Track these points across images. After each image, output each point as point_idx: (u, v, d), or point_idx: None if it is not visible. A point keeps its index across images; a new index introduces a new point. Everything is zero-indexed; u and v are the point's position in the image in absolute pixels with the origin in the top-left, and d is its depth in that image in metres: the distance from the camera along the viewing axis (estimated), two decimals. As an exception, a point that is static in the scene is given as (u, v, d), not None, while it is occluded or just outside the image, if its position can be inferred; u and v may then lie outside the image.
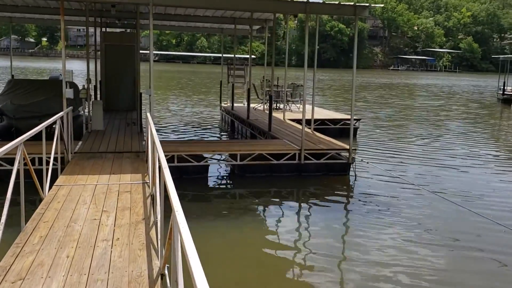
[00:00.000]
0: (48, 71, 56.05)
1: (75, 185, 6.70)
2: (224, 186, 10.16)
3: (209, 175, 10.13)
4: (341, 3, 9.90)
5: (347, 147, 10.51)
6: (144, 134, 11.73)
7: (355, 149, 10.85)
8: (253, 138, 13.73)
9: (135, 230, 5.01)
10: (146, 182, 7.00)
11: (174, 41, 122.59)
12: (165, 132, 16.01)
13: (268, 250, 6.67)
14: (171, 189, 3.32)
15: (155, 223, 5.09)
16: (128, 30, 19.88)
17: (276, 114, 15.41)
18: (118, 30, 19.83)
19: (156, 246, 4.54)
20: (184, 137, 15.41)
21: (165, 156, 4.57)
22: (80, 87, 12.21)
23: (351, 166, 10.54)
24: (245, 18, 16.22)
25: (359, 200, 9.09)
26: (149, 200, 6.11)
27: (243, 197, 9.36)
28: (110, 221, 5.25)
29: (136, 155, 9.16)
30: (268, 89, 17.62)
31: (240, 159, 9.95)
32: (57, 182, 6.83)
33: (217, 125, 18.68)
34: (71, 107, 8.97)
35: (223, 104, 19.25)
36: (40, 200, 6.09)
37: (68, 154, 8.37)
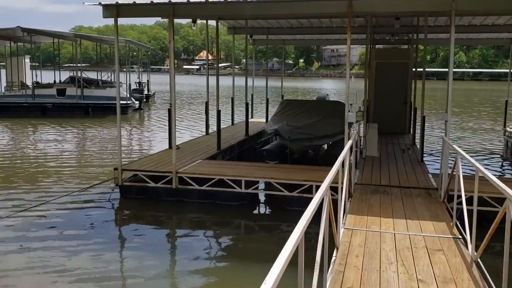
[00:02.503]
0: (301, 90, 59.69)
1: (369, 231, 5.54)
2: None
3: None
4: None
5: None
6: (425, 164, 10.08)
7: None
8: None
9: (478, 326, 3.44)
10: (459, 238, 5.36)
11: (428, 57, 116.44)
12: (432, 160, 13.94)
13: None
14: None
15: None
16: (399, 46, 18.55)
17: None
18: (381, 46, 18.77)
19: None
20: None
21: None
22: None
23: None
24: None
25: None
26: (475, 270, 4.45)
27: None
28: (435, 301, 3.81)
29: (426, 192, 7.59)
30: None
31: None
32: (347, 223, 5.80)
33: (497, 154, 15.57)
34: (355, 132, 8.03)
35: (508, 129, 15.99)
36: (333, 246, 5.10)
37: (351, 185, 7.39)
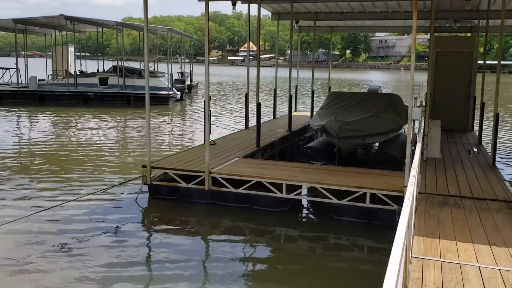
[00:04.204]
0: (347, 82, 57.58)
1: (446, 262, 4.31)
2: None
3: None
4: None
5: None
6: (500, 169, 8.63)
7: None
8: None
9: None
10: None
11: (481, 49, 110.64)
12: (502, 162, 12.32)
13: None
14: None
15: None
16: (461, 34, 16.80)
17: None
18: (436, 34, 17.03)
19: None
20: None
21: None
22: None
23: None
24: None
25: None
26: None
27: None
28: None
29: (507, 206, 6.22)
30: None
31: None
32: (415, 249, 4.59)
33: None
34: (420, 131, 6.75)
35: None
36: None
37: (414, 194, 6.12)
